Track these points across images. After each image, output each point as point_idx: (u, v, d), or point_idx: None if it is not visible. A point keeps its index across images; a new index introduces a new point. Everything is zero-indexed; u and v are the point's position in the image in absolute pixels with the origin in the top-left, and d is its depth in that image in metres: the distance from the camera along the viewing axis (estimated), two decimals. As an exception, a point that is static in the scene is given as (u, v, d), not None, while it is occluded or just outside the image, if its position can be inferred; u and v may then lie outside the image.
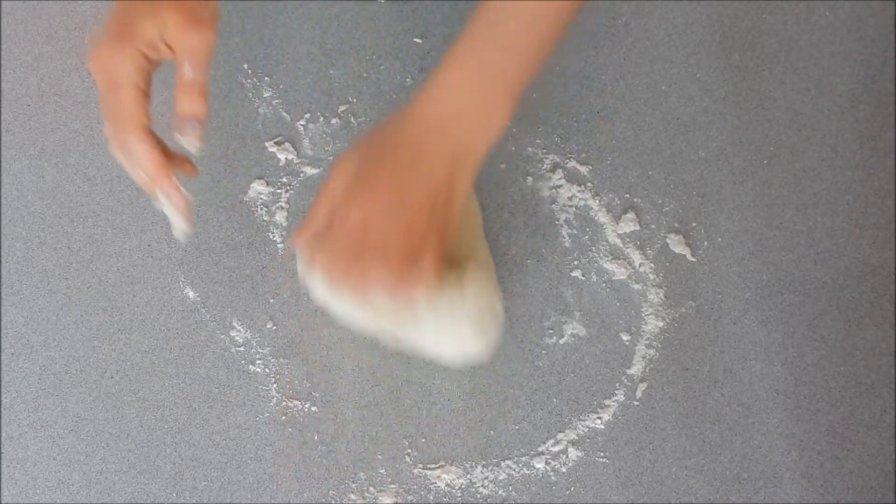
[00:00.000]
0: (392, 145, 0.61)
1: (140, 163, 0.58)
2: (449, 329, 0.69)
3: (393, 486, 0.75)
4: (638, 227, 0.80)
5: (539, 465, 0.75)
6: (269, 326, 0.78)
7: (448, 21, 0.85)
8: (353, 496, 0.74)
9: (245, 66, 0.84)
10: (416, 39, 0.85)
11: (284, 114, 0.83)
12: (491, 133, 0.61)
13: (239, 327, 0.77)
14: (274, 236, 0.80)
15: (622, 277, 0.79)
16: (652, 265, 0.79)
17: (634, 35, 0.85)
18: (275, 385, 0.76)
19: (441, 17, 0.85)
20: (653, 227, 0.80)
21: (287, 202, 0.81)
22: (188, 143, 0.59)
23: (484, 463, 0.75)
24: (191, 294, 0.78)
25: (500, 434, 0.76)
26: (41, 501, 0.74)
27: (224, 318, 0.78)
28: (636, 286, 0.79)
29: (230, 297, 0.78)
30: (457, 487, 0.74)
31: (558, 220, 0.80)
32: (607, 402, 0.77)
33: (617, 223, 0.80)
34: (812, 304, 0.79)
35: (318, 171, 0.81)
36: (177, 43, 0.57)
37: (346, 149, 0.62)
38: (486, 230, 0.80)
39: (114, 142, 0.59)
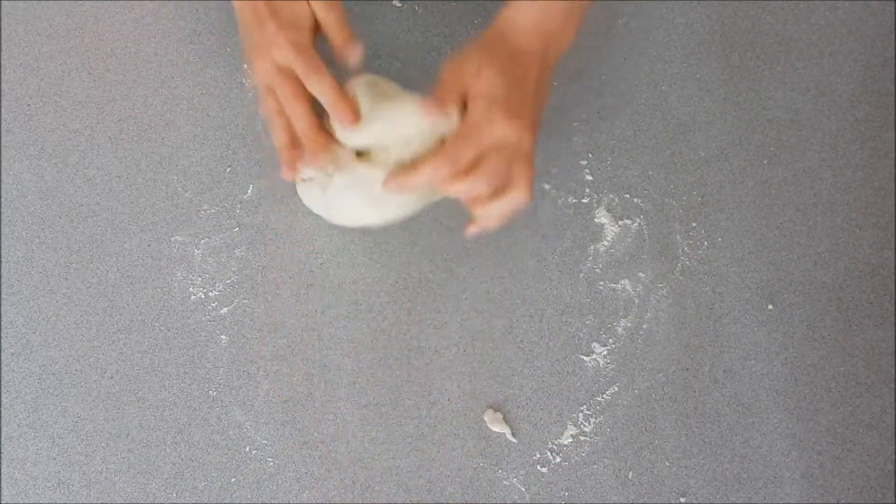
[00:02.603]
0: (520, 77, 0.68)
1: (330, 94, 0.68)
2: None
3: (393, 485, 0.75)
4: (638, 227, 0.80)
5: (539, 465, 0.75)
6: (269, 327, 0.77)
7: (448, 21, 0.85)
8: (353, 496, 0.74)
9: (245, 66, 0.84)
10: (416, 39, 0.85)
11: (284, 114, 0.83)
12: (569, 38, 0.72)
13: (239, 327, 0.77)
14: (273, 237, 0.80)
15: (622, 277, 0.79)
16: (652, 265, 0.79)
17: (634, 35, 0.85)
18: (275, 385, 0.76)
19: (441, 17, 0.85)
20: (653, 227, 0.80)
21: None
22: (353, 60, 0.71)
23: (484, 463, 0.75)
24: (191, 294, 0.78)
25: (499, 435, 0.76)
26: (41, 501, 0.74)
27: (224, 319, 0.78)
28: (636, 286, 0.79)
29: (230, 296, 0.78)
30: (457, 487, 0.75)
31: (559, 220, 0.80)
32: (608, 402, 0.77)
33: (617, 223, 0.80)
34: (812, 304, 0.79)
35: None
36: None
37: (485, 54, 0.68)
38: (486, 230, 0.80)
39: (277, 109, 0.70)
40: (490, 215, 0.69)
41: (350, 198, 0.71)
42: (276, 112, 0.70)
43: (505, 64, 0.68)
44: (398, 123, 0.69)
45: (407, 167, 0.69)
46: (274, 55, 0.69)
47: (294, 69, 0.68)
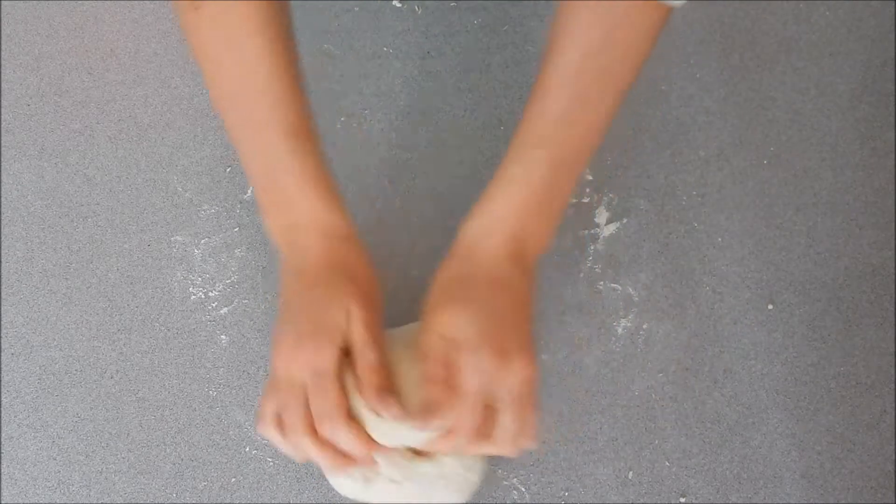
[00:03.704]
0: (482, 292, 0.61)
1: (348, 444, 0.59)
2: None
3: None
4: (638, 227, 0.80)
5: (538, 465, 0.75)
6: (269, 327, 0.78)
7: (448, 21, 0.85)
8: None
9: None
10: (416, 39, 0.85)
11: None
12: (547, 242, 0.63)
13: (239, 327, 0.77)
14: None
15: (622, 277, 0.79)
16: (652, 265, 0.79)
17: (634, 35, 0.85)
18: (275, 385, 0.76)
19: (441, 17, 0.85)
20: (653, 227, 0.80)
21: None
22: (393, 415, 0.59)
23: (483, 464, 0.75)
24: (191, 294, 0.78)
25: (500, 434, 0.76)
26: (41, 501, 0.74)
27: (224, 318, 0.78)
28: (636, 286, 0.79)
29: (230, 296, 0.78)
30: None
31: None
32: (608, 402, 0.77)
33: (617, 223, 0.80)
34: (812, 304, 0.79)
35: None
36: (361, 334, 0.60)
37: (434, 309, 0.61)
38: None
39: (314, 431, 0.59)
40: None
41: (405, 494, 0.65)
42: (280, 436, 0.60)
43: (476, 302, 0.60)
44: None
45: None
46: (289, 368, 0.59)
47: (308, 396, 0.59)
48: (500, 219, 0.62)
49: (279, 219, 0.63)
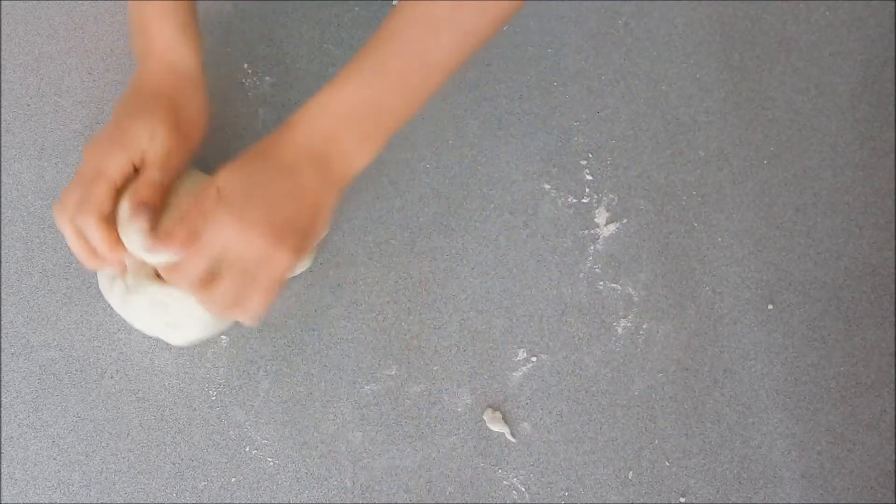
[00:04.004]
0: (267, 168, 0.63)
1: (95, 241, 0.65)
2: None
3: (393, 485, 0.75)
4: (638, 227, 0.80)
5: (539, 465, 0.75)
6: (269, 327, 0.77)
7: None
8: (353, 496, 0.74)
9: (245, 66, 0.84)
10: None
11: (285, 114, 0.83)
12: (360, 163, 0.64)
13: (239, 327, 0.77)
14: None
15: (622, 277, 0.79)
16: (652, 265, 0.80)
17: (634, 35, 0.85)
18: (275, 385, 0.76)
19: (441, 17, 0.85)
20: (653, 227, 0.80)
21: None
22: (137, 228, 0.64)
23: (484, 463, 0.75)
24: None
25: (499, 434, 0.76)
26: (41, 501, 0.74)
27: (224, 318, 0.78)
28: (636, 286, 0.79)
29: (230, 297, 0.78)
30: (457, 487, 0.75)
31: (559, 220, 0.80)
32: (608, 402, 0.77)
33: (617, 223, 0.80)
34: (812, 304, 0.79)
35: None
36: (157, 154, 0.66)
37: (226, 165, 0.64)
38: (486, 230, 0.80)
39: (70, 218, 0.65)
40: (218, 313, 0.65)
41: (148, 318, 0.69)
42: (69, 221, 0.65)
43: (253, 170, 0.63)
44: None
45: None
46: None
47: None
48: (315, 116, 0.64)
49: (139, 41, 0.70)
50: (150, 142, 0.66)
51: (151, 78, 0.69)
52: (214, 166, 0.81)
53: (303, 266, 0.76)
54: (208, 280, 0.62)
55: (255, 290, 0.62)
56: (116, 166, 0.65)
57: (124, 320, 0.77)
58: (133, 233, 0.64)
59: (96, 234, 0.64)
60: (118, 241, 0.65)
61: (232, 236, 0.60)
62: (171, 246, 0.62)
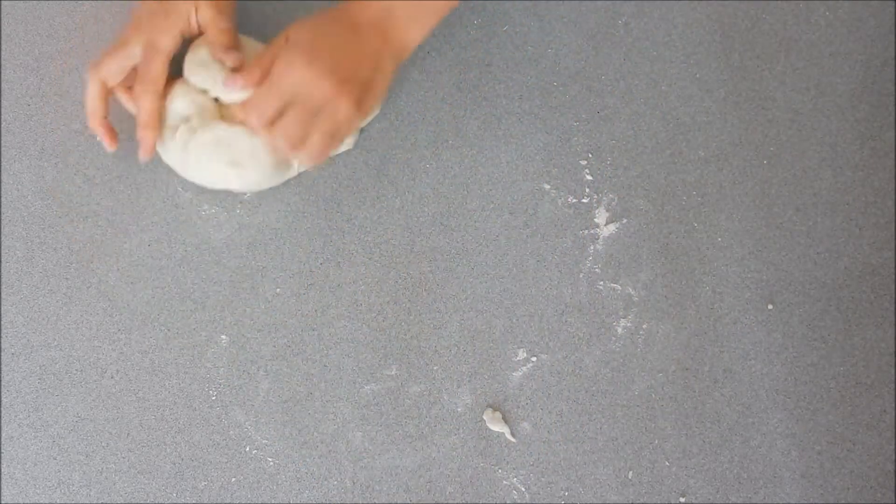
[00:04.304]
0: (332, 24, 0.70)
1: (145, 113, 0.73)
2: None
3: (393, 485, 0.75)
4: (638, 227, 0.80)
5: (539, 465, 0.75)
6: (269, 327, 0.77)
7: (447, 21, 0.85)
8: (353, 496, 0.74)
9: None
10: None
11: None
12: (414, 38, 0.72)
13: (239, 327, 0.77)
14: (273, 237, 0.80)
15: (622, 277, 0.79)
16: (652, 265, 0.79)
17: (634, 35, 0.85)
18: (275, 385, 0.76)
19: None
20: (653, 227, 0.80)
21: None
22: (220, 67, 0.73)
23: (484, 463, 0.75)
24: (191, 294, 0.78)
25: (499, 434, 0.76)
26: (41, 501, 0.74)
27: (224, 318, 0.78)
28: (636, 286, 0.79)
29: (230, 296, 0.78)
30: (457, 487, 0.75)
31: (559, 220, 0.80)
32: (608, 402, 0.77)
33: (617, 223, 0.80)
34: (812, 304, 0.79)
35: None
36: (210, 16, 0.72)
37: (292, 23, 0.70)
38: (486, 230, 0.80)
39: (102, 78, 0.73)
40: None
41: (211, 155, 0.74)
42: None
43: (321, 23, 0.70)
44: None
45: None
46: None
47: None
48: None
49: None
50: (199, 10, 0.72)
51: None
52: (214, 166, 0.81)
53: (347, 145, 0.79)
54: (275, 119, 0.68)
55: (318, 130, 0.69)
56: (170, 40, 0.71)
57: (132, 316, 0.77)
58: (216, 71, 0.72)
59: (149, 107, 0.72)
60: (158, 115, 0.73)
61: (301, 77, 0.67)
62: (250, 80, 0.69)
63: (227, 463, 0.75)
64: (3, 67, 0.82)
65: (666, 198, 0.81)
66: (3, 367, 0.76)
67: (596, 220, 0.81)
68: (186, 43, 0.74)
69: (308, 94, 0.67)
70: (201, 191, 0.80)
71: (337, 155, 0.80)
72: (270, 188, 0.79)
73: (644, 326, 0.78)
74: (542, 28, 0.85)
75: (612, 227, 0.80)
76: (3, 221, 0.79)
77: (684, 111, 0.83)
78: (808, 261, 0.80)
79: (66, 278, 0.78)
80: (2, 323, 0.77)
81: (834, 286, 0.79)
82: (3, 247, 0.79)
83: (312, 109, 0.68)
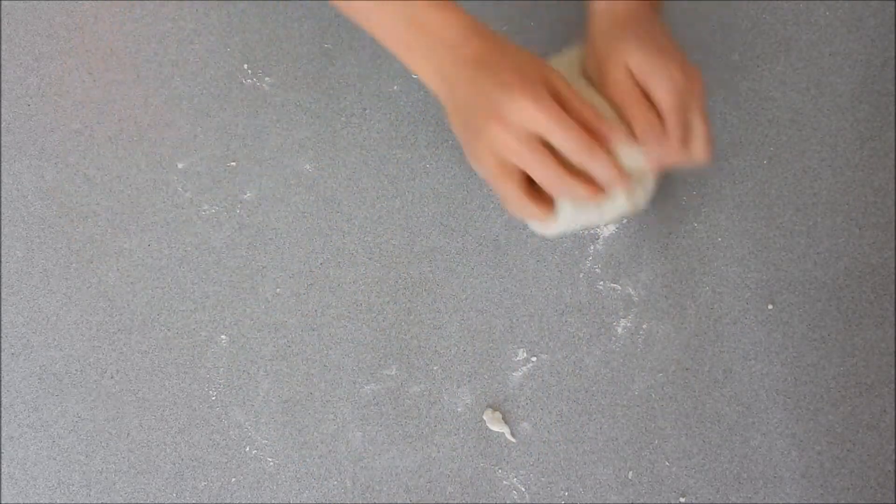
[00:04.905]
0: (655, 22, 0.68)
1: (606, 168, 0.62)
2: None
3: (393, 485, 0.75)
4: (638, 227, 0.80)
5: (539, 465, 0.75)
6: (269, 327, 0.78)
7: (448, 21, 0.85)
8: (353, 496, 0.74)
9: (245, 66, 0.84)
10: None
11: (284, 114, 0.83)
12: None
13: (239, 327, 0.77)
14: (273, 237, 0.80)
15: (622, 277, 0.79)
16: (652, 265, 0.79)
17: (634, 35, 0.85)
18: (275, 385, 0.76)
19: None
20: (653, 227, 0.80)
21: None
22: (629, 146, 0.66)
23: (484, 463, 0.75)
24: (191, 294, 0.78)
25: (499, 434, 0.76)
26: (41, 501, 0.74)
27: (224, 318, 0.78)
28: (636, 286, 0.79)
29: (230, 296, 0.78)
30: (457, 487, 0.74)
31: (558, 220, 0.80)
32: (608, 402, 0.77)
33: (617, 223, 0.80)
34: (812, 304, 0.79)
35: (316, 167, 0.81)
36: (557, 75, 0.64)
37: (624, 43, 0.65)
38: (486, 230, 0.80)
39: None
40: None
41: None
42: (530, 199, 0.63)
43: (653, 37, 0.66)
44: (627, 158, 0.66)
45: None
46: (513, 121, 0.60)
47: (550, 139, 0.60)
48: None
49: (431, 55, 0.63)
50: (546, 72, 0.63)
51: (479, 44, 0.63)
52: (213, 166, 0.81)
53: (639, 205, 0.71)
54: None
55: (697, 119, 0.65)
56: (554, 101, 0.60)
57: (132, 316, 0.77)
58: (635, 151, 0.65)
59: (608, 161, 0.62)
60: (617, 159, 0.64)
61: (683, 83, 0.64)
62: (656, 132, 0.64)
63: (227, 463, 0.75)
64: (3, 67, 0.82)
65: (666, 198, 0.81)
66: (3, 367, 0.76)
67: (596, 220, 0.80)
68: None
69: (691, 93, 0.64)
70: (201, 191, 0.80)
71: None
72: (270, 189, 0.79)
73: (644, 326, 0.78)
74: (542, 28, 0.85)
75: (612, 227, 0.80)
76: (3, 221, 0.79)
77: (684, 111, 0.83)
78: (808, 261, 0.80)
79: (66, 278, 0.78)
80: (2, 323, 0.77)
81: (834, 286, 0.79)
82: (3, 247, 0.79)
83: (699, 102, 0.65)
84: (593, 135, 0.62)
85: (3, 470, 0.74)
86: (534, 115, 0.59)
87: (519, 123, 0.59)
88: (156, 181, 0.81)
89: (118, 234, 0.79)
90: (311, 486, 0.75)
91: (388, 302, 0.78)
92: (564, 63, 0.71)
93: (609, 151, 0.62)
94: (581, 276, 0.79)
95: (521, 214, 0.66)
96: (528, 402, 0.76)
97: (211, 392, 0.76)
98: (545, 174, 0.61)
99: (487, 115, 0.60)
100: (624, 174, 0.63)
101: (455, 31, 0.63)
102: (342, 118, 0.83)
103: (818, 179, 0.82)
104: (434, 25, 0.63)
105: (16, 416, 0.76)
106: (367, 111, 0.83)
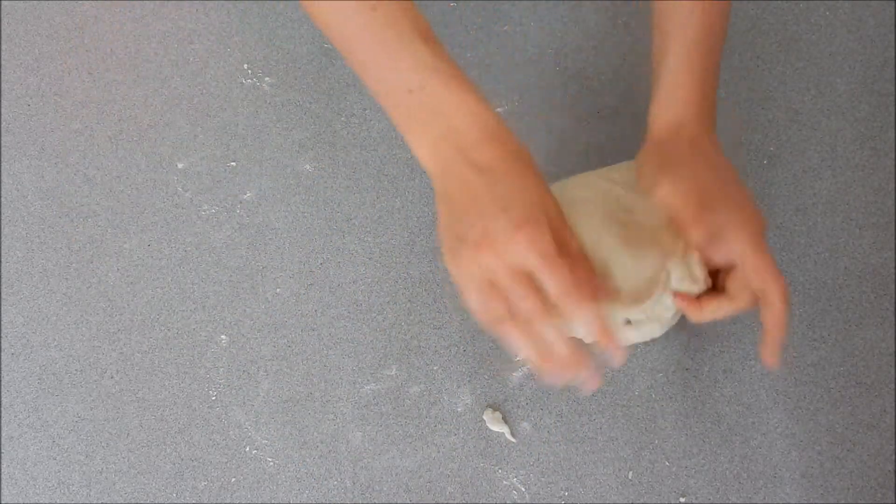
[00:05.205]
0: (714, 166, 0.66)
1: (594, 321, 0.57)
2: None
3: (393, 485, 0.75)
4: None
5: (538, 465, 0.75)
6: (269, 327, 0.78)
7: (448, 21, 0.85)
8: (353, 496, 0.74)
9: (245, 66, 0.84)
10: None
11: (285, 114, 0.83)
12: (714, 121, 0.68)
13: (239, 327, 0.77)
14: (273, 237, 0.80)
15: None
16: (652, 265, 0.79)
17: (634, 35, 0.85)
18: (275, 385, 0.76)
19: (441, 17, 0.85)
20: (653, 227, 0.80)
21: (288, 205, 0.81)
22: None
23: (483, 463, 0.75)
24: (191, 294, 0.78)
25: (499, 434, 0.76)
26: (41, 501, 0.74)
27: (224, 318, 0.78)
28: (636, 286, 0.79)
29: (230, 296, 0.78)
30: (457, 487, 0.74)
31: (558, 220, 0.80)
32: (608, 402, 0.77)
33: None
34: (812, 304, 0.79)
35: (315, 167, 0.81)
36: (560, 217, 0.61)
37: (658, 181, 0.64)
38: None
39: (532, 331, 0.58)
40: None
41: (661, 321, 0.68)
42: (506, 321, 0.58)
43: (699, 174, 0.63)
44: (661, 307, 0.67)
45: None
46: (508, 253, 0.56)
47: (539, 279, 0.56)
48: (686, 104, 0.66)
49: (430, 129, 0.59)
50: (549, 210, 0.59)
51: (490, 148, 0.59)
52: (213, 166, 0.81)
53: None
54: None
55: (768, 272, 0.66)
56: (553, 241, 0.56)
57: (132, 317, 0.77)
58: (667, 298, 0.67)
59: (596, 315, 0.57)
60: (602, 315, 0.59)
61: (752, 256, 0.65)
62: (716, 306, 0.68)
63: (227, 463, 0.75)
64: (3, 67, 0.82)
65: (666, 198, 0.81)
66: (3, 367, 0.76)
67: (596, 220, 0.80)
68: None
69: (760, 267, 0.65)
70: (201, 191, 0.80)
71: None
72: (270, 189, 0.79)
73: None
74: (542, 28, 0.85)
75: (612, 227, 0.80)
76: (3, 221, 0.79)
77: (684, 111, 0.83)
78: (808, 261, 0.80)
79: (66, 278, 0.78)
80: (2, 323, 0.77)
81: (834, 286, 0.79)
82: (3, 247, 0.79)
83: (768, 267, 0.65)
84: (583, 285, 0.57)
85: (3, 470, 0.74)
86: (527, 257, 0.56)
87: (512, 260, 0.56)
88: (156, 181, 0.81)
89: (118, 234, 0.79)
90: (311, 486, 0.75)
91: (388, 302, 0.78)
92: (624, 169, 0.70)
93: (595, 305, 0.57)
94: (581, 276, 0.79)
95: (488, 328, 0.60)
96: (528, 401, 0.76)
97: (211, 392, 0.76)
98: (524, 308, 0.57)
99: (481, 238, 0.57)
100: (606, 331, 0.58)
101: (467, 123, 0.59)
102: (342, 118, 0.83)
103: (818, 179, 0.82)
104: (446, 107, 0.58)
105: (16, 416, 0.76)
106: (367, 111, 0.83)
